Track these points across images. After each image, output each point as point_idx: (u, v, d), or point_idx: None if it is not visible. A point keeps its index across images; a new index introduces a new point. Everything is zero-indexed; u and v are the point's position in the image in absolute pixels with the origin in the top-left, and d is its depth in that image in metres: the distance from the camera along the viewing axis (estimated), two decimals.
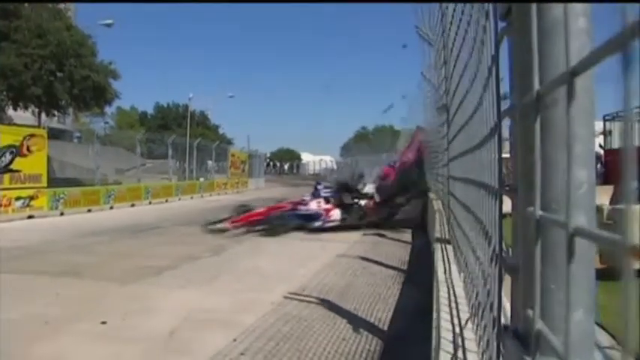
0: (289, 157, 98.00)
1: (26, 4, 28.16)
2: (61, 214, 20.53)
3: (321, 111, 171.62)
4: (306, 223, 15.67)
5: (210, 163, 43.98)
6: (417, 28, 11.76)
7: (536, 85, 1.03)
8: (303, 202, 16.60)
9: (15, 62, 26.89)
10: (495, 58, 1.78)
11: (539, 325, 1.05)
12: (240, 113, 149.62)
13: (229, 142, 57.84)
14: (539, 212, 1.04)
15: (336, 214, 16.11)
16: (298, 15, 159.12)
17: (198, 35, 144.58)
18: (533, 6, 1.06)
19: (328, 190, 16.98)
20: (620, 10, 0.65)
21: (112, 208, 23.96)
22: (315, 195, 16.75)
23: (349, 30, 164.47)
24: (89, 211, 22.11)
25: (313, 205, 16.28)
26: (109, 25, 30.48)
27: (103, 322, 6.52)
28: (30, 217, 18.98)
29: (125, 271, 9.51)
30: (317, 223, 15.78)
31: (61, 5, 32.27)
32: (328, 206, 16.23)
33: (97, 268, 9.95)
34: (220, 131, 69.15)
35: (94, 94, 31.35)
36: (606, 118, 20.53)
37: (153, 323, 6.60)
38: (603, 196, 10.58)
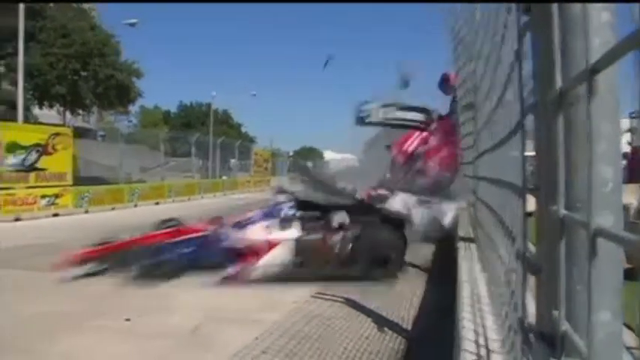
0: (312, 155, 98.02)
1: (51, 5, 28.55)
2: (86, 212, 20.74)
3: (344, 109, 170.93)
4: (224, 262, 8.71)
5: (232, 161, 44.14)
6: (444, 22, 11.64)
7: (559, 82, 1.01)
8: (241, 223, 9.45)
9: (40, 62, 27.30)
10: (518, 53, 1.75)
11: (565, 326, 1.03)
12: (263, 112, 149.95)
13: (252, 141, 58.09)
14: (563, 211, 1.02)
15: (278, 255, 8.83)
16: (320, 13, 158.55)
17: (222, 34, 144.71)
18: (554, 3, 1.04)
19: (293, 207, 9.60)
20: (637, 9, 0.63)
21: (136, 206, 24.13)
22: (273, 213, 9.50)
23: (371, 28, 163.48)
24: (113, 209, 22.36)
25: (254, 232, 9.10)
26: (132, 25, 30.71)
27: (127, 319, 6.57)
28: (55, 215, 19.18)
29: None
30: (230, 270, 8.58)
31: (86, 5, 32.68)
32: (278, 237, 8.98)
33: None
34: (243, 130, 69.61)
35: (118, 92, 31.75)
36: (632, 115, 20.10)
37: (174, 320, 6.66)
38: (631, 194, 10.36)
